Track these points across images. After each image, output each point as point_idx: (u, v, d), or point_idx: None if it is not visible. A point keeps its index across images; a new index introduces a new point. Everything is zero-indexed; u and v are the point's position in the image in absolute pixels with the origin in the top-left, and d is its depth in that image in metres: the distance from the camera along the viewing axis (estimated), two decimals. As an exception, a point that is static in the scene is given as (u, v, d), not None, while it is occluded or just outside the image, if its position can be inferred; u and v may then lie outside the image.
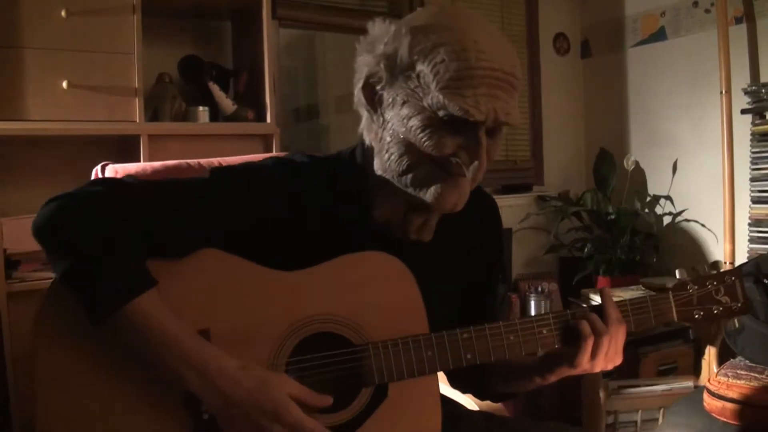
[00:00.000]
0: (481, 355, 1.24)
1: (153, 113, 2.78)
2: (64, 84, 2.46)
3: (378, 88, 1.21)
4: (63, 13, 2.45)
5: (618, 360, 1.28)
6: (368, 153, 1.29)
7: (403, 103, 1.17)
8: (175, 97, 2.82)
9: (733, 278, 1.39)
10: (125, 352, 1.11)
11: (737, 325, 1.41)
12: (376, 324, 1.22)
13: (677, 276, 1.39)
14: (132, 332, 1.08)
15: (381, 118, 1.22)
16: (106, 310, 1.06)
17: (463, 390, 1.59)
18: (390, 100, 1.19)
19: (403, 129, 1.17)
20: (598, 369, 1.27)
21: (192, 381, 1.08)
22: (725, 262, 3.39)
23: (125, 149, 2.71)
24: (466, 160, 1.15)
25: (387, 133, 1.21)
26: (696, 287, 1.37)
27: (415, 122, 1.15)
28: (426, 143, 1.15)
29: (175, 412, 1.14)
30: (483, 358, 1.25)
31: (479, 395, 1.58)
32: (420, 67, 1.14)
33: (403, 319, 1.23)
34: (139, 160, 2.59)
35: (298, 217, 1.24)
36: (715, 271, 1.40)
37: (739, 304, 1.38)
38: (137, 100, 2.60)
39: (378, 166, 1.26)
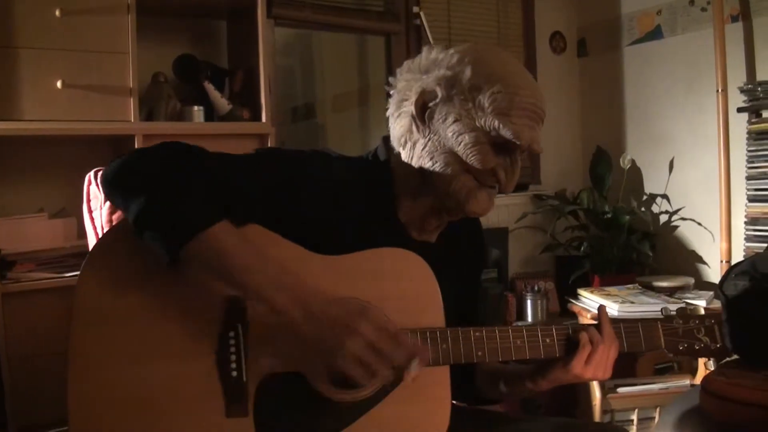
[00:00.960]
0: (490, 353, 1.33)
1: (148, 113, 2.77)
2: (59, 84, 2.45)
3: (431, 104, 1.35)
4: (57, 13, 2.45)
5: (607, 373, 1.39)
6: (396, 158, 1.42)
7: (455, 120, 1.33)
8: (170, 97, 2.81)
9: (712, 321, 1.49)
10: (168, 303, 1.21)
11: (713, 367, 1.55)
12: (397, 314, 1.27)
13: (661, 314, 1.49)
14: (209, 259, 1.15)
15: (428, 130, 1.36)
16: (186, 236, 1.13)
17: (455, 397, 1.59)
18: (442, 116, 1.34)
19: (453, 142, 1.33)
20: (588, 375, 1.38)
21: (274, 297, 1.15)
22: (722, 261, 3.39)
23: (120, 150, 2.69)
24: (503, 177, 1.34)
25: (432, 144, 1.35)
26: (681, 321, 1.47)
27: (466, 138, 1.31)
28: (473, 157, 1.31)
29: (206, 369, 1.20)
30: (492, 357, 1.33)
31: (472, 402, 1.63)
32: (478, 94, 1.31)
33: (422, 312, 1.31)
34: (134, 160, 2.56)
35: (332, 205, 1.34)
36: (699, 314, 1.50)
37: (718, 346, 1.49)
38: (132, 99, 2.60)
39: (409, 171, 1.39)
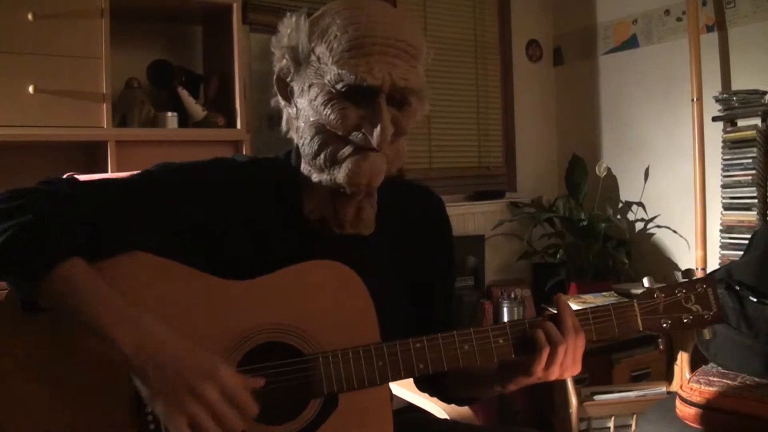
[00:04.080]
0: (434, 364, 1.21)
1: (121, 119, 2.73)
2: (30, 89, 2.41)
3: (288, 80, 1.25)
4: (30, 17, 2.40)
5: (575, 370, 1.26)
6: (299, 154, 1.30)
7: (310, 86, 1.20)
8: (144, 103, 2.77)
9: (704, 286, 1.34)
10: (63, 353, 1.09)
11: (708, 336, 1.37)
12: (327, 333, 1.19)
13: (645, 284, 1.35)
14: (63, 294, 1.06)
15: (295, 108, 1.25)
16: (38, 274, 1.05)
17: (430, 393, 1.57)
18: (299, 89, 1.23)
19: (312, 111, 1.20)
20: (553, 378, 1.26)
21: (120, 337, 1.05)
22: (697, 268, 3.40)
23: (93, 156, 2.67)
24: (369, 129, 1.17)
25: (301, 122, 1.23)
26: (663, 296, 1.33)
27: (319, 100, 1.19)
28: (331, 118, 1.18)
29: (122, 420, 1.11)
30: (436, 368, 1.22)
31: (443, 399, 1.56)
32: (318, 49, 1.19)
33: (354, 328, 1.21)
34: (106, 167, 2.54)
35: (236, 218, 1.24)
36: (686, 279, 1.36)
37: (712, 313, 1.33)
38: (105, 105, 2.56)
39: (303, 162, 1.27)
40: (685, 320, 1.33)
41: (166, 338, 1.07)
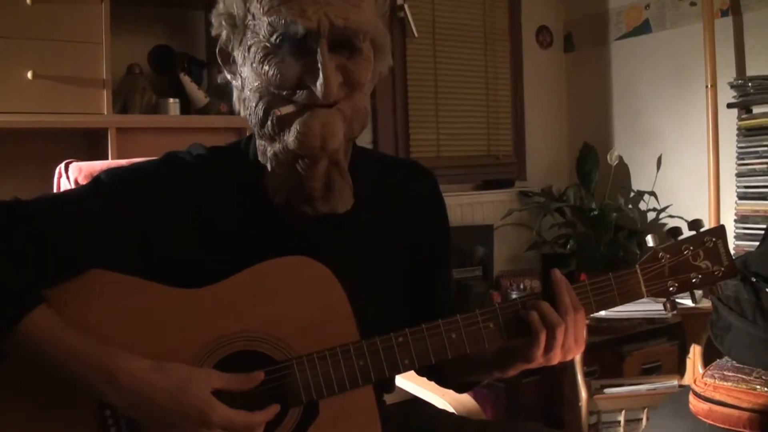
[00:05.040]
0: (420, 359, 1.13)
1: (122, 106, 2.70)
2: (29, 74, 2.37)
3: (229, 49, 1.16)
4: (28, 1, 2.36)
5: (578, 349, 1.17)
6: None
7: (249, 49, 1.11)
8: (146, 89, 2.73)
9: (713, 239, 1.24)
10: (34, 389, 1.03)
11: (721, 291, 1.25)
12: (300, 336, 1.10)
13: (649, 243, 1.24)
14: (32, 354, 0.99)
15: (240, 79, 1.15)
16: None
17: (428, 377, 1.47)
18: (241, 56, 1.13)
19: (254, 75, 1.10)
20: (556, 362, 1.16)
21: (104, 391, 0.99)
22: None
23: (93, 143, 2.64)
24: (313, 81, 1.07)
25: (246, 92, 1.13)
26: (668, 256, 1.22)
27: (256, 59, 1.09)
28: (269, 75, 1.08)
29: None
30: (423, 362, 1.13)
31: (442, 384, 1.47)
32: (252, 6, 1.10)
33: (328, 327, 1.12)
34: (107, 155, 2.51)
35: (191, 220, 1.16)
36: (694, 237, 1.25)
37: (723, 268, 1.23)
38: (105, 91, 2.52)
39: (256, 139, 1.18)
40: (693, 280, 1.23)
41: (149, 389, 1.00)
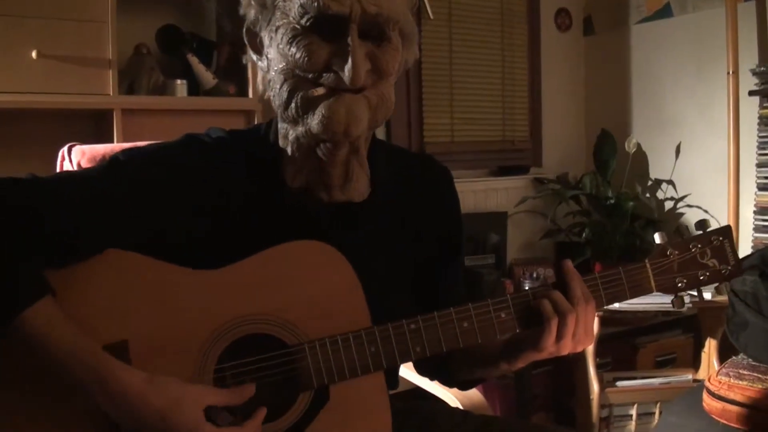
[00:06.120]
0: (432, 346, 1.14)
1: (129, 86, 2.66)
2: (34, 54, 2.34)
3: (257, 30, 1.17)
4: (32, -22, 2.32)
5: (588, 341, 1.18)
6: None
7: (277, 30, 1.11)
8: (153, 70, 2.69)
9: (720, 238, 1.27)
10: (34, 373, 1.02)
11: (727, 289, 1.29)
12: (312, 320, 1.11)
13: (657, 240, 1.27)
14: (29, 345, 0.98)
15: (266, 60, 1.16)
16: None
17: (430, 377, 1.49)
18: (268, 38, 1.14)
19: (280, 57, 1.11)
20: (566, 351, 1.18)
21: (95, 395, 0.99)
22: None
23: (98, 125, 2.61)
24: (341, 65, 1.07)
25: (272, 73, 1.14)
26: (677, 252, 1.26)
27: (284, 40, 1.09)
28: (297, 57, 1.08)
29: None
30: (434, 350, 1.14)
31: (445, 382, 1.49)
32: None
33: (341, 312, 1.13)
34: (112, 137, 2.48)
35: (209, 204, 1.16)
36: (701, 235, 1.28)
37: (730, 267, 1.26)
38: (111, 72, 2.48)
39: (279, 122, 1.19)
40: (701, 277, 1.26)
41: (139, 403, 0.99)
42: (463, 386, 1.48)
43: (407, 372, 1.76)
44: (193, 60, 2.75)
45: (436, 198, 1.37)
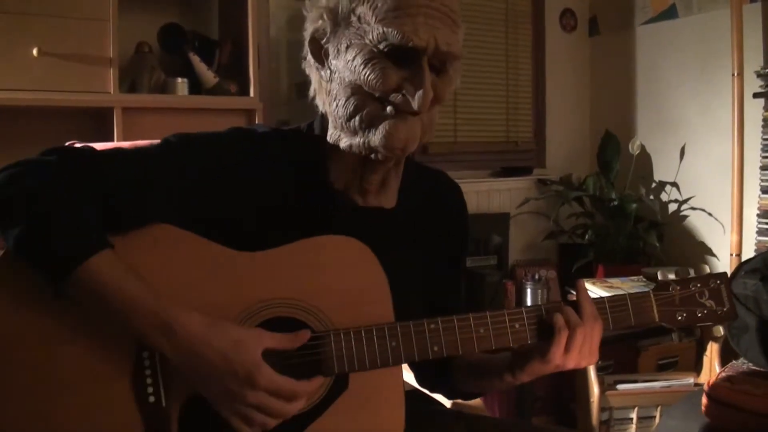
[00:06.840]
0: (449, 347, 1.20)
1: (130, 85, 2.66)
2: (35, 51, 2.35)
3: (323, 41, 1.23)
4: (33, -24, 2.32)
5: (593, 359, 1.25)
6: (325, 122, 1.28)
7: (347, 47, 1.19)
8: (154, 68, 2.69)
9: (718, 282, 1.35)
10: (76, 325, 1.09)
11: (720, 333, 1.39)
12: (339, 310, 1.18)
13: (659, 277, 1.36)
14: (91, 294, 1.05)
15: (328, 71, 1.23)
16: (61, 272, 1.03)
17: (431, 389, 1.54)
18: (335, 50, 1.21)
19: (348, 72, 1.18)
20: (571, 365, 1.24)
21: (158, 340, 1.06)
22: (732, 254, 3.27)
23: (98, 123, 2.60)
24: (411, 91, 1.16)
25: (335, 84, 1.22)
26: (679, 288, 1.33)
27: (358, 60, 1.17)
28: (370, 77, 1.16)
29: (122, 395, 1.10)
30: (450, 351, 1.21)
31: (448, 394, 1.54)
32: (360, 9, 1.18)
33: (367, 306, 1.19)
34: (112, 135, 2.47)
35: (257, 189, 1.23)
36: (701, 276, 1.36)
37: (725, 309, 1.34)
38: (112, 70, 2.49)
39: (330, 127, 1.25)
40: (699, 314, 1.33)
41: (202, 344, 1.06)
42: (465, 398, 1.54)
43: (404, 373, 1.76)
44: (195, 58, 2.74)
45: (450, 213, 1.46)
